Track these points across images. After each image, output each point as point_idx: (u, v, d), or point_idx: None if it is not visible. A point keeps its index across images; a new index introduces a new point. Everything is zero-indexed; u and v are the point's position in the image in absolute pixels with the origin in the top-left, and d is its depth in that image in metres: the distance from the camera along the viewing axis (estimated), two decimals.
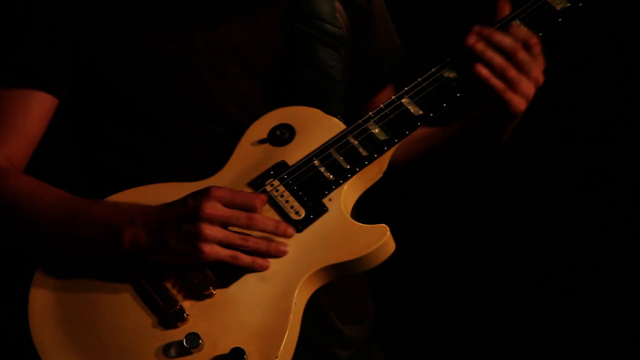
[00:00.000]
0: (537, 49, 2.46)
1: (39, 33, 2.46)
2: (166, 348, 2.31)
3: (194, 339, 2.29)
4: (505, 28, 2.48)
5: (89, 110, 2.54)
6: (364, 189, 2.52)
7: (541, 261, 3.77)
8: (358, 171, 2.47)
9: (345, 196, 2.46)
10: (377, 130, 2.50)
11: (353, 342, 2.64)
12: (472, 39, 2.47)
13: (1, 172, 2.42)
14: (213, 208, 2.29)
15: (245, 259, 2.34)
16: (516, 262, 3.80)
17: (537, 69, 2.45)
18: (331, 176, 2.46)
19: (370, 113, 2.52)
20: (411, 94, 2.52)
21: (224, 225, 2.31)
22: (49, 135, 2.56)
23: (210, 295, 2.35)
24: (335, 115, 2.55)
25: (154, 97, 2.50)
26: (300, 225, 2.41)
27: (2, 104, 2.47)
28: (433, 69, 2.54)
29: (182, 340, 2.29)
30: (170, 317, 2.32)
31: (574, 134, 3.78)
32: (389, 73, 2.79)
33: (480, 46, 2.46)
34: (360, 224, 2.42)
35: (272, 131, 2.53)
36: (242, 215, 2.32)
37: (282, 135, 2.52)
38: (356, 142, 2.49)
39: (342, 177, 2.46)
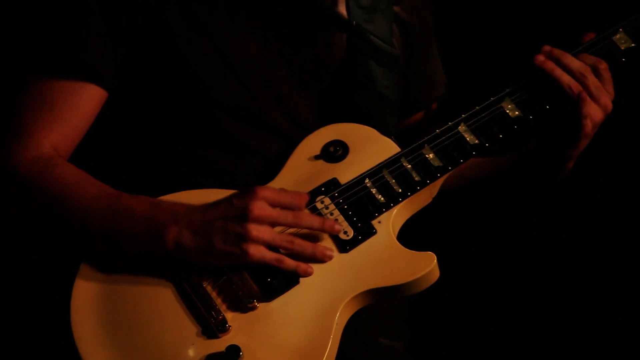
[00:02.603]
0: (606, 74, 2.45)
1: (96, 25, 2.45)
2: (206, 358, 2.31)
3: (234, 352, 2.29)
4: (574, 55, 2.49)
5: (138, 107, 2.54)
6: (413, 213, 2.52)
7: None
8: (410, 195, 2.47)
9: (394, 219, 2.46)
10: (431, 155, 2.49)
11: (389, 356, 2.64)
12: (541, 57, 2.46)
13: (48, 160, 2.42)
14: (261, 208, 2.30)
15: (290, 262, 2.34)
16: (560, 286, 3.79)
17: (606, 95, 2.45)
18: (382, 198, 2.46)
19: (425, 138, 2.51)
20: (469, 122, 2.51)
21: (271, 225, 2.32)
22: (95, 131, 2.56)
23: (254, 308, 2.35)
24: (388, 136, 2.54)
25: (204, 101, 2.49)
26: (348, 246, 2.41)
27: (54, 93, 2.45)
28: (492, 99, 2.53)
29: (223, 352, 2.30)
30: (212, 326, 2.33)
31: None
32: (426, 102, 2.81)
33: (550, 65, 2.45)
34: (408, 249, 2.42)
35: (326, 147, 2.53)
36: (288, 214, 2.34)
37: (336, 151, 2.52)
38: (410, 166, 2.49)
39: (393, 200, 2.46)
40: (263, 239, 2.30)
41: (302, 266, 2.36)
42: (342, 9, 2.59)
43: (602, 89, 2.45)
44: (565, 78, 2.45)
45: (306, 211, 2.41)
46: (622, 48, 2.54)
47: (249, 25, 2.50)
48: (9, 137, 2.43)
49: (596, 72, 2.46)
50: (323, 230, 2.38)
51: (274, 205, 2.32)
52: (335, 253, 2.41)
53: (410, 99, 2.76)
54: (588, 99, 2.43)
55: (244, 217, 2.29)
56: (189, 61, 2.47)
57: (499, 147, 2.54)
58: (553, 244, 3.83)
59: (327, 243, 2.41)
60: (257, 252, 2.30)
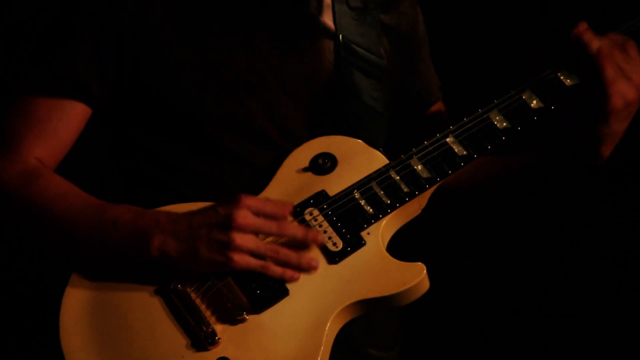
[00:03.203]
0: (635, 53, 2.42)
1: (83, 40, 2.45)
2: None
3: None
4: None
5: (128, 119, 2.54)
6: (402, 224, 2.52)
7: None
8: (398, 207, 2.47)
9: (383, 231, 2.46)
10: (419, 167, 2.50)
11: None
12: (579, 30, 2.42)
13: (33, 171, 2.43)
14: (244, 217, 2.31)
15: (276, 269, 2.35)
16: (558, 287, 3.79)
17: (638, 72, 2.40)
18: (371, 210, 2.46)
19: (413, 149, 2.52)
20: (456, 133, 2.52)
21: (255, 233, 2.32)
22: (86, 142, 2.58)
23: (243, 321, 2.35)
24: (376, 148, 2.55)
25: (194, 113, 2.49)
26: (337, 257, 2.42)
27: (39, 108, 2.46)
28: (479, 110, 2.54)
29: None
30: (201, 339, 2.32)
31: None
32: (421, 109, 2.81)
33: (588, 35, 2.42)
34: (397, 260, 2.42)
35: (314, 159, 2.53)
36: (272, 224, 2.34)
37: (325, 164, 2.53)
38: (398, 178, 2.49)
39: (381, 211, 2.46)
40: (247, 247, 2.31)
41: (289, 272, 2.36)
42: (329, 20, 2.60)
43: (634, 65, 2.40)
44: (595, 47, 2.40)
45: (292, 221, 2.41)
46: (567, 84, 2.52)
47: (237, 37, 2.50)
48: None
49: (624, 50, 2.42)
50: (306, 241, 2.38)
51: (257, 214, 2.33)
52: (324, 264, 2.41)
53: (405, 105, 2.77)
54: (619, 74, 2.38)
55: (228, 225, 2.30)
56: (178, 74, 2.48)
57: (499, 150, 2.54)
58: (548, 251, 3.82)
59: (316, 255, 2.41)
60: (242, 259, 2.31)
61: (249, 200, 2.32)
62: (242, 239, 2.30)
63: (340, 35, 2.61)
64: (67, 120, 2.48)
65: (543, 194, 2.64)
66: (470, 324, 3.86)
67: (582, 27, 2.43)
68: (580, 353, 3.72)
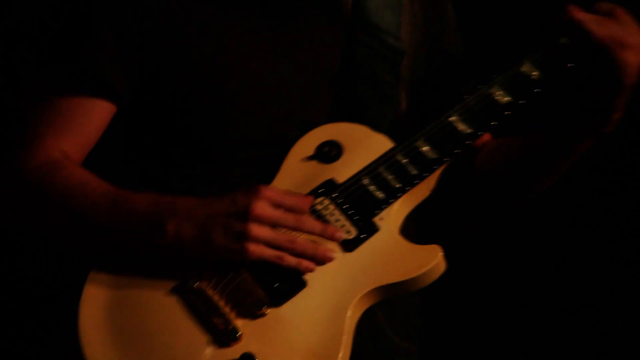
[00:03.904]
0: (625, 17, 2.39)
1: (106, 38, 2.44)
2: None
3: None
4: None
5: (145, 120, 2.53)
6: (413, 207, 2.52)
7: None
8: (408, 190, 2.47)
9: (395, 215, 2.46)
10: (426, 148, 2.50)
11: (402, 354, 2.63)
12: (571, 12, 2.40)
13: (57, 163, 2.43)
14: (263, 208, 2.30)
15: (291, 259, 2.34)
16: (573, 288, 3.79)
17: (634, 35, 2.37)
18: (381, 195, 2.46)
19: (418, 134, 2.51)
20: (459, 112, 2.52)
21: (273, 225, 2.31)
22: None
23: (263, 315, 2.34)
24: (385, 133, 2.54)
25: (212, 112, 2.48)
26: (352, 245, 2.41)
27: (63, 105, 2.46)
28: (480, 87, 2.54)
29: None
30: (223, 336, 2.31)
31: None
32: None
33: (581, 16, 2.40)
34: (413, 244, 2.42)
35: (320, 148, 2.52)
36: (290, 217, 2.33)
37: (330, 152, 2.51)
38: (405, 161, 2.49)
39: (392, 196, 2.46)
40: (263, 237, 2.30)
41: (304, 263, 2.35)
42: (348, 1, 2.58)
43: (629, 30, 2.38)
44: (594, 28, 2.37)
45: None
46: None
47: (259, 30, 2.50)
48: (19, 145, 2.45)
49: (616, 18, 2.39)
50: (323, 237, 2.37)
51: (276, 206, 2.32)
52: (340, 253, 2.40)
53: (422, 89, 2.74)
54: (621, 45, 2.36)
55: (246, 215, 2.29)
56: (200, 73, 2.47)
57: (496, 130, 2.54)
58: (551, 249, 3.82)
59: (331, 244, 2.40)
60: (257, 249, 2.30)
61: (269, 192, 2.31)
62: (258, 230, 2.29)
63: (357, 15, 2.58)
64: (91, 117, 2.48)
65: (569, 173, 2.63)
66: (488, 318, 3.85)
67: (571, 10, 2.42)
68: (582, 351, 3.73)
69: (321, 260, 2.36)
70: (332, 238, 2.38)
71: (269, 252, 2.32)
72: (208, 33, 2.47)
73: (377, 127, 2.54)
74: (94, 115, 2.48)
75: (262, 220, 2.29)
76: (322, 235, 2.36)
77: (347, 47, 2.58)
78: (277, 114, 2.52)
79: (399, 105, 2.66)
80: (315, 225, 2.36)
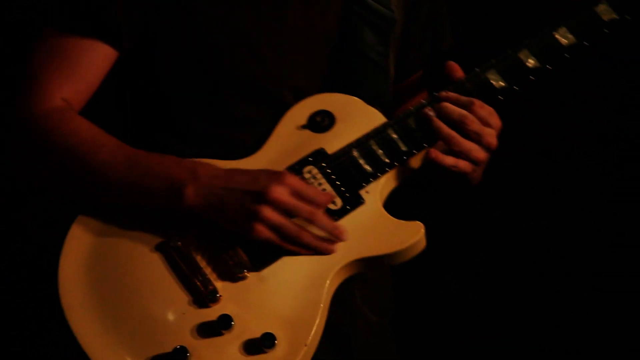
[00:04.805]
0: (482, 111, 2.49)
1: None
2: (197, 327, 2.33)
3: (226, 321, 2.31)
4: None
5: (141, 71, 2.55)
6: (400, 182, 2.54)
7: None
8: (397, 166, 2.49)
9: (382, 189, 2.48)
10: (416, 126, 2.52)
11: (375, 328, 2.66)
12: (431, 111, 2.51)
13: (63, 114, 2.43)
14: (281, 193, 2.32)
15: (293, 248, 2.37)
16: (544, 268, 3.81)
17: (480, 141, 2.48)
18: (369, 168, 2.48)
19: (411, 108, 2.53)
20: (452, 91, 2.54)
21: (286, 212, 2.33)
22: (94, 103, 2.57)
23: (244, 278, 2.37)
24: (378, 104, 2.55)
25: (209, 67, 2.50)
26: (336, 215, 2.43)
27: (66, 49, 2.47)
28: (477, 69, 2.56)
29: (214, 321, 2.31)
30: (202, 296, 2.34)
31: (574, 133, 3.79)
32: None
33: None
34: (396, 219, 2.45)
35: (312, 117, 2.53)
36: (306, 208, 2.35)
37: (322, 121, 2.53)
38: (396, 137, 2.51)
39: (380, 170, 2.48)
40: (273, 221, 2.32)
41: (303, 252, 2.38)
42: None
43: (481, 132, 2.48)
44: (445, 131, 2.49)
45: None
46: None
47: None
48: (22, 90, 2.45)
49: (472, 112, 2.48)
50: (332, 234, 2.39)
51: (295, 194, 2.34)
52: None
53: (410, 61, 2.77)
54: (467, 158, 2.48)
55: (262, 196, 2.31)
56: (201, 25, 2.48)
57: None
58: (547, 250, 3.83)
59: None
60: (263, 231, 2.32)
61: (292, 179, 2.34)
62: (270, 213, 2.31)
63: None
64: (93, 62, 2.48)
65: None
66: (462, 298, 3.87)
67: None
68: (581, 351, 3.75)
69: (323, 253, 2.39)
70: (339, 238, 2.39)
71: (273, 237, 2.34)
72: None
73: (368, 98, 2.56)
74: (97, 61, 2.49)
75: (277, 205, 2.31)
76: (330, 232, 2.38)
77: (342, 17, 2.59)
78: (269, 73, 2.52)
79: (390, 76, 2.67)
80: (327, 222, 2.38)
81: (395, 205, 2.54)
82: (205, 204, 2.33)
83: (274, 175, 2.33)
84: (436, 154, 2.46)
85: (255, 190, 2.32)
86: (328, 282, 2.38)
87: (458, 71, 2.58)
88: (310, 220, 2.35)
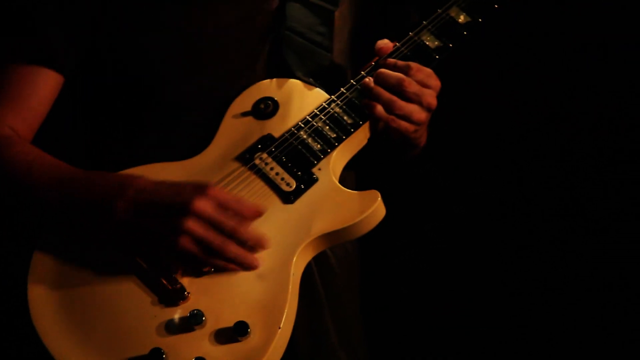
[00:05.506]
0: (420, 74, 2.52)
1: (48, 9, 2.47)
2: (169, 327, 2.32)
3: (198, 316, 2.30)
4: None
5: (92, 82, 2.56)
6: (351, 155, 2.55)
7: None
8: (345, 139, 2.50)
9: (334, 164, 2.49)
10: (358, 96, 2.53)
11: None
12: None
13: (7, 139, 2.44)
14: (204, 205, 2.28)
15: (218, 262, 2.33)
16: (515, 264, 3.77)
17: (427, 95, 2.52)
18: (318, 146, 2.49)
19: (352, 81, 2.55)
20: (393, 57, 2.56)
21: (211, 225, 2.29)
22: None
23: (209, 272, 2.37)
24: (319, 84, 2.57)
25: (154, 69, 2.52)
26: (292, 196, 2.44)
27: (8, 77, 2.48)
28: (410, 34, 2.60)
29: (186, 317, 2.31)
30: (171, 296, 2.34)
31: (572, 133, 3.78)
32: None
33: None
34: (351, 190, 2.46)
35: (256, 105, 2.55)
36: (229, 222, 2.30)
37: (266, 108, 2.54)
38: (340, 111, 2.52)
39: (329, 146, 2.49)
40: (197, 234, 2.27)
41: (230, 266, 2.35)
42: None
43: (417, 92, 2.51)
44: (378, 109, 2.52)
45: (244, 170, 2.45)
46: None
47: None
48: None
49: (410, 76, 2.51)
50: (255, 247, 2.35)
51: (221, 207, 2.30)
52: (280, 206, 2.44)
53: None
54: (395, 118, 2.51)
55: (186, 209, 2.27)
56: (137, 37, 2.50)
57: None
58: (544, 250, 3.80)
59: (271, 198, 2.44)
60: (186, 244, 2.27)
61: (216, 192, 2.30)
62: (193, 225, 2.26)
63: None
64: (37, 88, 2.49)
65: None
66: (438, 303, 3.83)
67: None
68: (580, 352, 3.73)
69: (247, 268, 2.36)
70: (262, 248, 2.35)
71: (196, 250, 2.29)
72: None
73: (314, 78, 2.58)
74: (41, 87, 2.49)
75: (200, 217, 2.27)
76: (254, 245, 2.34)
77: (281, 5, 2.62)
78: (211, 69, 2.54)
79: (332, 54, 2.69)
80: (251, 236, 2.33)
81: (353, 177, 2.55)
82: (133, 218, 2.30)
83: (198, 189, 2.29)
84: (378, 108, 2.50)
85: (179, 202, 2.27)
86: (293, 262, 2.38)
87: (387, 44, 2.59)
88: (234, 234, 2.29)
